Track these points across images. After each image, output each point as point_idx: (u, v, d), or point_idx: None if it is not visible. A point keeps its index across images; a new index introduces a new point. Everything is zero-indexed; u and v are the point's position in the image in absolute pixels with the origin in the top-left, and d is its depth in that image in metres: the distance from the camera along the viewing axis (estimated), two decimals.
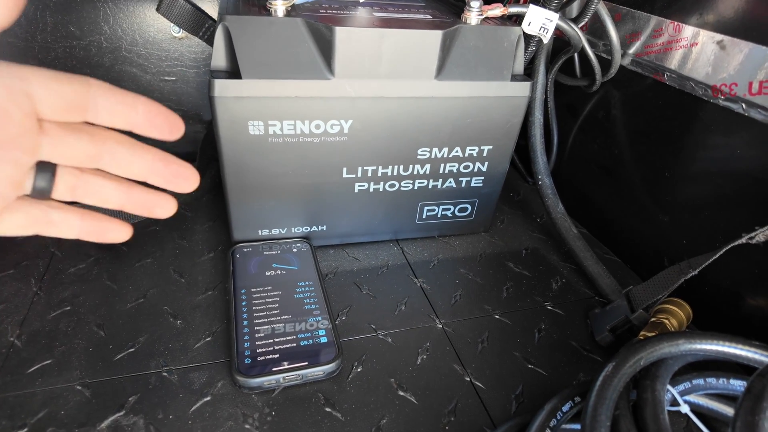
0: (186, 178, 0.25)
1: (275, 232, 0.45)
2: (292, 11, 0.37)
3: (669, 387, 0.29)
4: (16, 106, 0.20)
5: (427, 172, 0.44)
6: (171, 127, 0.23)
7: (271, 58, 0.36)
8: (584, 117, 0.52)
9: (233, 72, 0.36)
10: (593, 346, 0.38)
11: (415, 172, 0.44)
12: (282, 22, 0.35)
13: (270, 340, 0.34)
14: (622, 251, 0.49)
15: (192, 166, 0.25)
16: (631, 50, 0.44)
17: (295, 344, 0.34)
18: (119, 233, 0.26)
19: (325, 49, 0.36)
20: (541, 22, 0.40)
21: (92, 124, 0.23)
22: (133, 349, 0.34)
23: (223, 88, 0.35)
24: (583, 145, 0.53)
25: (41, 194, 0.23)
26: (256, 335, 0.35)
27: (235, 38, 0.35)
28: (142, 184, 0.25)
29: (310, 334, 0.35)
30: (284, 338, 0.35)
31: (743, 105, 0.35)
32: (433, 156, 0.43)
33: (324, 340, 0.35)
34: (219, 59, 0.36)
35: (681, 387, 0.29)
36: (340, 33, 0.35)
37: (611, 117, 0.48)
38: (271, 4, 0.36)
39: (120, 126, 0.23)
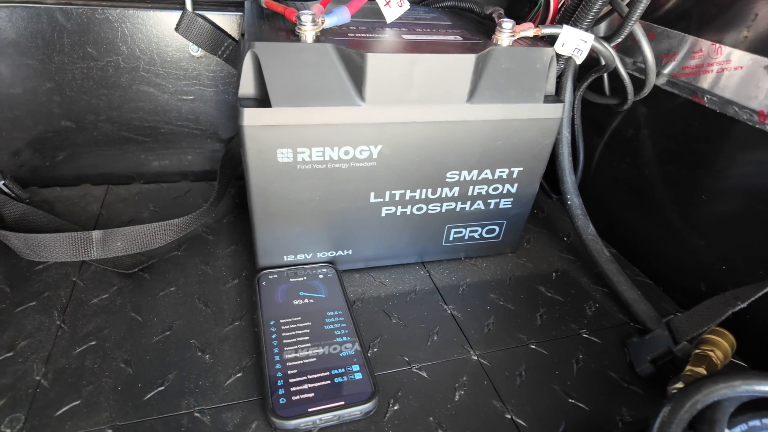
0: None
1: (300, 257, 0.44)
2: (321, 36, 0.36)
3: (726, 431, 0.28)
4: None
5: (456, 194, 0.43)
6: None
7: (301, 85, 0.35)
8: (612, 134, 0.51)
9: (262, 99, 0.35)
10: (633, 377, 0.37)
11: (444, 195, 0.43)
12: (312, 48, 0.34)
13: (304, 377, 0.33)
14: (654, 273, 0.48)
15: None
16: (666, 70, 0.43)
17: (329, 381, 0.33)
18: None
19: (356, 75, 0.35)
20: (575, 44, 0.39)
21: None
22: (162, 388, 0.33)
23: (252, 117, 0.34)
24: (611, 163, 0.51)
25: None
26: (289, 372, 0.34)
27: (265, 66, 0.34)
28: None
29: (344, 370, 0.34)
30: (318, 375, 0.34)
31: None
32: (462, 179, 0.42)
33: (359, 376, 0.34)
34: (247, 86, 0.35)
35: (737, 429, 0.28)
36: (372, 59, 0.34)
37: (641, 136, 0.47)
38: (300, 29, 0.34)
39: None
